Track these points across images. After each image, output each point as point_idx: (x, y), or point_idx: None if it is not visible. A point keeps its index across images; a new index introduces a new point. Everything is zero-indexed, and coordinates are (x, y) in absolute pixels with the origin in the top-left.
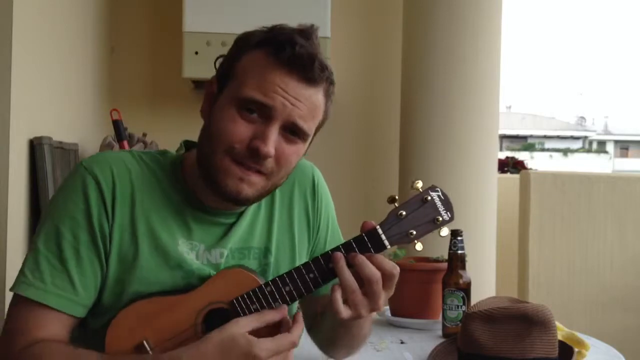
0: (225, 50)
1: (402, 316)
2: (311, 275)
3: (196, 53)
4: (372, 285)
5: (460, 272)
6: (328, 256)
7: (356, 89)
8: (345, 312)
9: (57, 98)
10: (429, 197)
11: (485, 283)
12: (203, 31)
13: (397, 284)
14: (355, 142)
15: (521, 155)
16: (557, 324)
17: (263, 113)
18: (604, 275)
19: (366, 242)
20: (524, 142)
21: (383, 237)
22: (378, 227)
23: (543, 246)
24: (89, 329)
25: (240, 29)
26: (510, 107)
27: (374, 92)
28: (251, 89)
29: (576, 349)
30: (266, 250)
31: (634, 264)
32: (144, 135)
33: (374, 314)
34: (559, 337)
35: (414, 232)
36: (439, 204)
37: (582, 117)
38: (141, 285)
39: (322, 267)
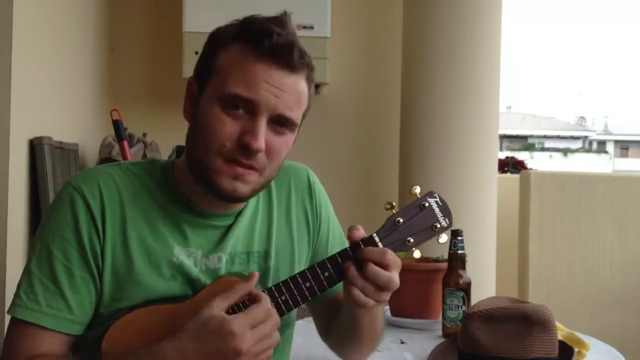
0: None
1: (402, 316)
2: (307, 284)
3: (196, 53)
4: (388, 285)
5: (460, 272)
6: (324, 265)
7: (356, 88)
8: (369, 302)
9: (57, 98)
10: (427, 204)
11: (485, 283)
12: (203, 31)
13: (370, 234)
14: (355, 142)
15: (521, 155)
16: (557, 324)
17: (249, 108)
18: (604, 275)
19: (363, 252)
20: (524, 142)
21: (380, 245)
22: (375, 235)
23: (543, 246)
24: (87, 340)
25: None
26: (510, 107)
27: (374, 92)
28: (233, 85)
29: (576, 349)
30: (266, 254)
31: (634, 264)
32: (144, 135)
33: None
34: (559, 337)
35: (412, 240)
36: (437, 210)
37: (582, 117)
38: (138, 300)
39: (318, 277)
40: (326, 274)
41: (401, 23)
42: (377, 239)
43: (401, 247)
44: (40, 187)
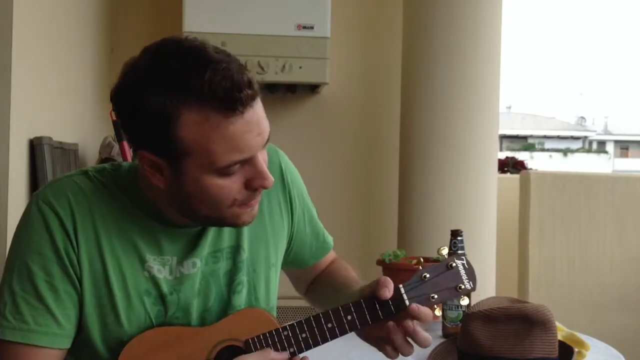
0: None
1: None
2: (329, 325)
3: None
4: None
5: None
6: (348, 309)
7: (356, 89)
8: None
9: (57, 98)
10: (454, 264)
11: (485, 283)
12: (203, 31)
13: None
14: (355, 142)
15: (521, 155)
16: (557, 324)
17: (246, 161)
18: (604, 275)
19: (388, 301)
20: (524, 142)
21: (405, 296)
22: (401, 286)
23: (543, 246)
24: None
25: (240, 29)
26: (510, 107)
27: (374, 92)
28: (224, 157)
29: (576, 349)
30: (238, 247)
31: (634, 264)
32: None
33: None
34: (559, 337)
35: (436, 297)
36: (462, 272)
37: (582, 117)
38: (120, 310)
39: (341, 320)
40: (349, 317)
41: (401, 23)
42: (402, 290)
43: (425, 302)
44: (40, 187)
